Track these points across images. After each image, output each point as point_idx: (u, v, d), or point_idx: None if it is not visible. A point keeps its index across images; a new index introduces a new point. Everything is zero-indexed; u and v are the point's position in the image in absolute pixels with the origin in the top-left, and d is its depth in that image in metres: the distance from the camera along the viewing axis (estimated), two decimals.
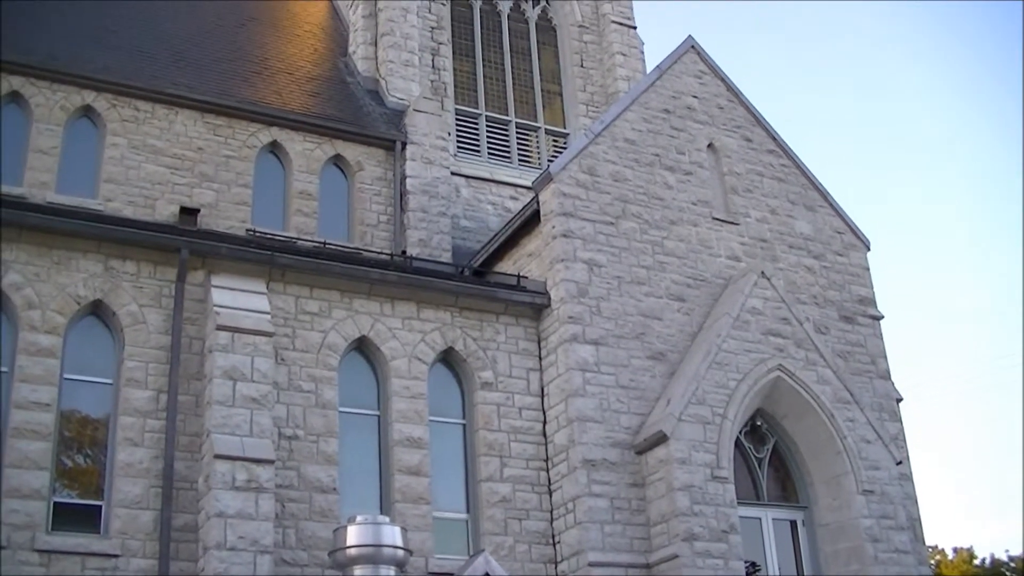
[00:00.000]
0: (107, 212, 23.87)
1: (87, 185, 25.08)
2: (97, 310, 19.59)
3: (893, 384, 24.91)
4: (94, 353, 19.45)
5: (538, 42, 34.01)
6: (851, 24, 75.83)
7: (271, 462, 18.69)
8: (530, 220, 23.58)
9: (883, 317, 25.35)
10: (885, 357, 24.95)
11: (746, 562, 20.82)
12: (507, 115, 32.19)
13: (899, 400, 25.11)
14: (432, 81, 31.12)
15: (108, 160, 25.44)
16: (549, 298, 22.45)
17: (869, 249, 26.16)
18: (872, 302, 25.46)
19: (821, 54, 75.78)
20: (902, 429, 24.47)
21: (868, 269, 25.91)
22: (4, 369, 18.53)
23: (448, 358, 22.04)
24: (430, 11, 32.19)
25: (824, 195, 26.16)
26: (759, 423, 22.68)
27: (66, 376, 18.92)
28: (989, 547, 79.89)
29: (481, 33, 33.14)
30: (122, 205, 24.94)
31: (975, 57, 70.95)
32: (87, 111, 25.81)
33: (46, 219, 19.42)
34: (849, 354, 24.44)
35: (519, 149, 31.89)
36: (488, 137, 31.57)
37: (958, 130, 69.19)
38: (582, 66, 33.81)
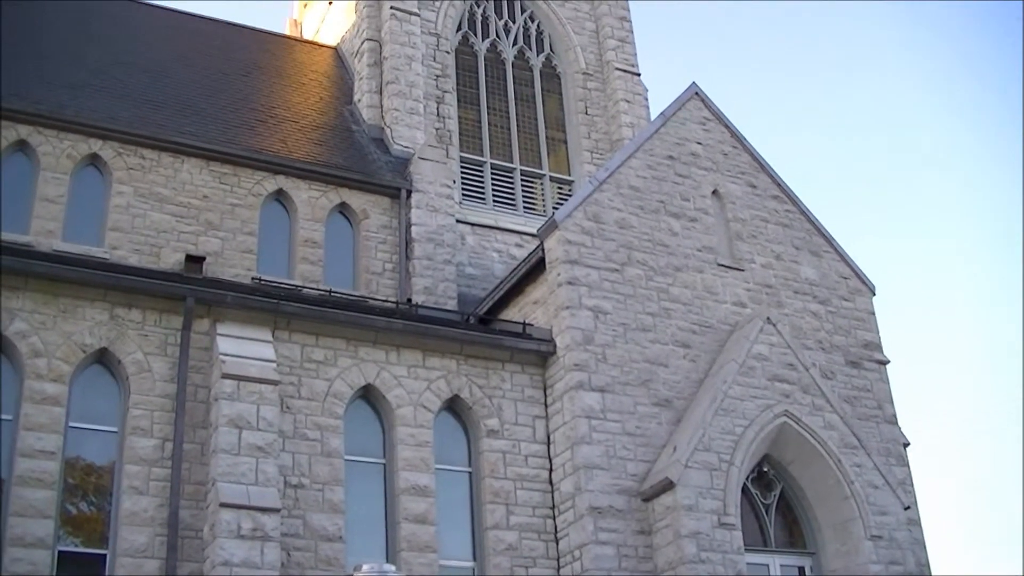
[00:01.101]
0: (113, 260, 23.95)
1: (93, 233, 25.16)
2: (103, 358, 19.57)
3: (900, 429, 24.84)
4: (99, 401, 19.40)
5: (542, 89, 34.17)
6: (853, 57, 76.07)
7: (277, 511, 18.62)
8: (535, 268, 23.58)
9: (889, 362, 25.31)
10: (892, 402, 24.88)
11: None
12: (512, 163, 32.29)
13: (906, 445, 25.05)
14: (437, 129, 31.24)
15: (114, 208, 25.52)
16: (555, 345, 22.42)
17: (874, 294, 26.15)
18: (878, 347, 25.42)
19: (822, 86, 76.02)
20: (909, 474, 24.37)
21: (873, 314, 25.88)
22: (8, 417, 18.49)
23: (454, 406, 22.00)
24: (435, 59, 32.37)
25: (829, 240, 26.19)
26: (766, 469, 22.59)
27: (71, 424, 18.85)
28: None
29: (486, 81, 33.31)
30: (128, 253, 25.01)
31: (979, 82, 70.87)
32: (93, 159, 25.92)
33: (52, 267, 19.43)
34: (856, 399, 24.39)
35: (524, 196, 31.98)
36: (493, 185, 31.66)
37: (963, 162, 69.07)
38: (586, 113, 33.95)
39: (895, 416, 24.78)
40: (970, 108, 69.58)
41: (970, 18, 69.20)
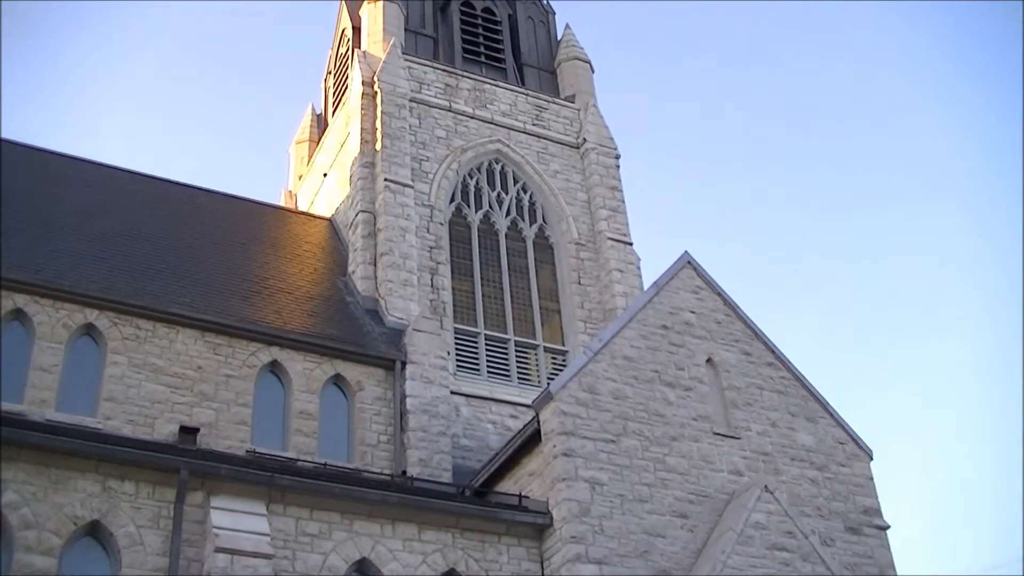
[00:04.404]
0: (106, 431, 23.77)
1: (87, 403, 25.00)
2: (94, 531, 19.36)
3: None
4: (90, 575, 19.11)
5: (536, 260, 34.41)
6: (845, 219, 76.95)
7: None
8: (531, 439, 23.53)
9: (889, 527, 25.11)
10: (894, 567, 24.62)
11: None
12: (506, 333, 32.36)
13: None
14: (431, 300, 31.38)
15: (109, 378, 25.42)
16: (551, 518, 22.24)
17: (872, 459, 26.07)
18: (878, 512, 25.24)
19: (811, 246, 76.69)
20: None
21: (872, 479, 25.77)
22: None
23: None
24: (428, 231, 32.66)
25: (824, 406, 26.18)
26: None
27: None
28: None
29: (479, 252, 33.56)
30: (122, 424, 24.85)
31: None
32: (89, 329, 25.88)
33: (45, 438, 19.36)
34: (857, 566, 24.11)
35: (518, 367, 31.96)
36: (487, 355, 31.67)
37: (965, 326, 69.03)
38: (579, 283, 34.13)
39: None
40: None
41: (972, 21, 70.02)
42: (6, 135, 33.07)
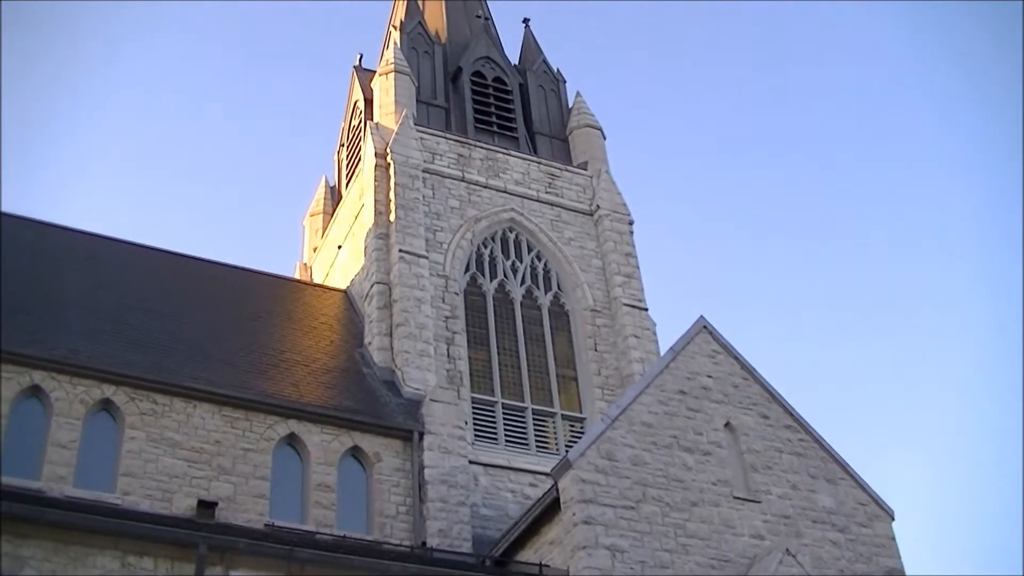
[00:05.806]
0: (124, 506, 23.71)
1: (105, 479, 24.95)
2: None
3: None
4: None
5: (551, 328, 34.39)
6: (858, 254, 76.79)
7: None
8: (550, 508, 23.43)
9: None
10: None
11: None
12: (523, 402, 32.29)
13: None
14: (448, 370, 31.36)
15: (126, 454, 25.37)
16: None
17: (894, 519, 25.89)
18: (901, 573, 25.07)
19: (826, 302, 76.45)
20: None
21: (894, 539, 25.60)
22: None
23: None
24: (444, 301, 32.71)
25: (844, 467, 26.07)
26: None
27: None
28: None
29: (495, 321, 33.57)
30: (139, 499, 24.78)
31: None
32: (106, 405, 25.86)
33: (64, 515, 19.34)
34: None
35: (536, 435, 31.86)
36: (505, 424, 31.59)
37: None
38: (596, 350, 34.09)
39: None
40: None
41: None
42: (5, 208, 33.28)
